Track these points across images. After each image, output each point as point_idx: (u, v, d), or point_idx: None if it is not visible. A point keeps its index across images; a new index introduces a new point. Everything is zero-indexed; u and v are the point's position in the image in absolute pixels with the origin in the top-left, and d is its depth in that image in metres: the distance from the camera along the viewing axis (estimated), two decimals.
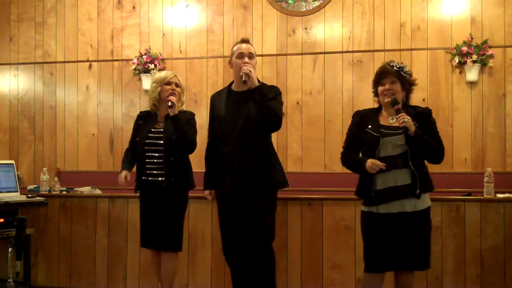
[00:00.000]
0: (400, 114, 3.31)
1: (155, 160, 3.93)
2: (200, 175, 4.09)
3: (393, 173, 3.34)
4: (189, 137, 3.93)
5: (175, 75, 4.06)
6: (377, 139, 3.38)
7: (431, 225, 3.49)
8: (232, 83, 3.95)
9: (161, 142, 3.92)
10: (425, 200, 3.40)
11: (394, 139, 3.37)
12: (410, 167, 3.33)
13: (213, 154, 3.92)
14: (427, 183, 3.41)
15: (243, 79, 3.66)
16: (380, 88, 3.48)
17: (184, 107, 4.12)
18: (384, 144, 3.37)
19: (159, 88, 3.99)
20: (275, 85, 4.04)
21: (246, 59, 3.74)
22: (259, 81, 3.77)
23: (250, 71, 3.65)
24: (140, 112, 4.27)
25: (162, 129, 3.96)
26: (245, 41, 3.88)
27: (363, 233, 3.51)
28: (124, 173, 4.05)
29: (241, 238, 3.74)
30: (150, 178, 3.95)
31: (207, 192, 4.03)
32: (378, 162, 3.32)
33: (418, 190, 3.32)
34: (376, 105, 3.63)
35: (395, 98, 3.40)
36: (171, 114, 3.88)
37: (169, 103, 3.88)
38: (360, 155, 3.53)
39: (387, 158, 3.35)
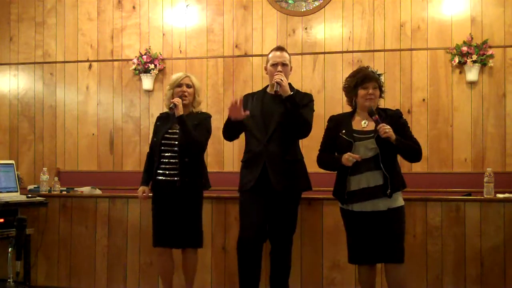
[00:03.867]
0: (380, 125, 3.46)
1: (170, 160, 4.01)
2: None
3: (366, 175, 3.52)
4: (194, 138, 3.97)
5: (187, 76, 4.14)
6: (349, 143, 3.55)
7: (404, 222, 3.62)
8: (267, 86, 4.07)
9: (176, 143, 3.99)
10: (398, 200, 3.56)
11: (366, 142, 3.54)
12: (381, 169, 3.50)
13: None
14: (398, 182, 3.57)
15: (274, 88, 3.79)
16: (362, 92, 3.61)
17: (201, 107, 4.22)
18: (357, 148, 3.54)
19: (171, 91, 4.10)
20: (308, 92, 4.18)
21: (279, 68, 3.86)
22: (292, 89, 3.88)
23: (281, 79, 3.75)
24: (160, 113, 4.35)
25: (177, 130, 4.02)
26: (279, 48, 3.98)
27: (344, 227, 3.73)
28: (142, 189, 4.18)
29: (263, 232, 3.87)
30: (165, 178, 4.01)
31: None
32: (353, 155, 3.48)
33: (389, 190, 3.49)
34: (349, 109, 3.80)
35: (371, 108, 3.56)
36: (176, 115, 3.95)
37: (171, 105, 3.97)
38: None
39: (360, 162, 3.51)
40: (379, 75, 3.66)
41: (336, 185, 3.69)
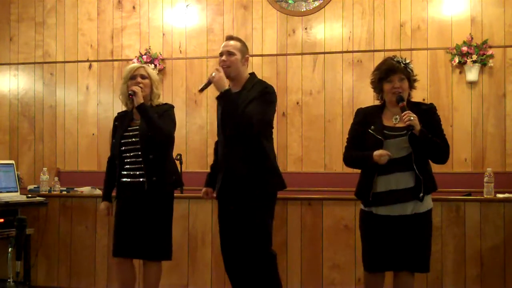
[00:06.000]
0: (405, 112, 3.15)
1: (133, 160, 3.63)
2: (197, 174, 4.09)
3: (395, 175, 3.20)
4: (159, 125, 3.56)
5: (142, 67, 3.74)
6: (379, 142, 3.21)
7: (432, 227, 3.34)
8: None
9: (138, 139, 3.61)
10: (427, 202, 3.26)
11: (398, 141, 3.21)
12: (414, 170, 3.18)
13: (216, 153, 3.78)
14: (430, 184, 3.26)
15: (200, 87, 3.60)
16: (387, 86, 3.27)
17: (161, 100, 3.79)
18: (387, 147, 3.20)
19: (126, 85, 3.68)
20: (266, 82, 3.67)
21: (224, 57, 3.66)
22: (252, 79, 3.61)
23: (213, 75, 3.51)
24: (118, 113, 3.94)
25: (138, 127, 3.64)
26: (227, 38, 3.73)
27: (361, 232, 3.41)
28: (104, 205, 3.87)
29: (236, 242, 3.61)
30: (129, 180, 3.65)
31: (204, 189, 3.84)
32: (384, 152, 3.15)
33: (422, 194, 3.19)
34: (377, 102, 3.47)
35: (400, 95, 3.23)
36: (135, 104, 3.55)
37: (129, 92, 3.58)
38: None
39: (390, 161, 3.18)
40: (407, 64, 3.29)
41: (360, 185, 3.36)
